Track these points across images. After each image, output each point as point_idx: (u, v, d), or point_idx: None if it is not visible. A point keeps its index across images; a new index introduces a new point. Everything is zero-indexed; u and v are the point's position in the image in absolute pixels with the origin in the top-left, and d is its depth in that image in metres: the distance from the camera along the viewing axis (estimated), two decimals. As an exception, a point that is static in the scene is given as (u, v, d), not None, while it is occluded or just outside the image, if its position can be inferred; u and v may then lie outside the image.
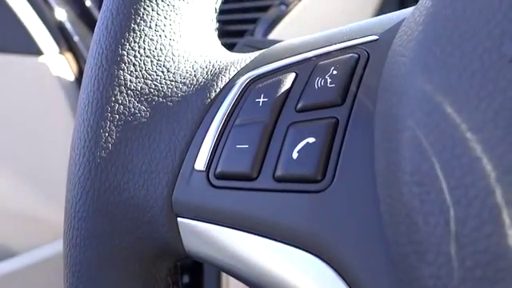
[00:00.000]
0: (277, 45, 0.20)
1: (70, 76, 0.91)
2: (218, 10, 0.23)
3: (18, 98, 0.94)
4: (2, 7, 0.98)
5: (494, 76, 0.11)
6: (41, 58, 0.92)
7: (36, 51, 0.96)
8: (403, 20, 0.16)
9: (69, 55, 0.96)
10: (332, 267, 0.15)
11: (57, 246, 0.85)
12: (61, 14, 0.98)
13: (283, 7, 0.50)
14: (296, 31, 0.48)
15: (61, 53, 0.95)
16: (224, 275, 0.59)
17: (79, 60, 0.98)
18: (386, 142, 0.13)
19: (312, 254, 0.15)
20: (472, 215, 0.10)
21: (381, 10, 0.47)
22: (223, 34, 0.55)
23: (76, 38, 0.98)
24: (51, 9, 0.97)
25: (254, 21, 0.52)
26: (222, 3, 0.53)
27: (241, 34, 0.53)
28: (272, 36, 0.49)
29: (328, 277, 0.15)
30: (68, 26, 0.99)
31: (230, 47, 0.51)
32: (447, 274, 0.11)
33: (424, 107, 0.12)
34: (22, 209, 0.96)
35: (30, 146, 0.94)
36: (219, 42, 0.22)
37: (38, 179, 0.93)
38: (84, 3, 1.01)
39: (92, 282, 0.19)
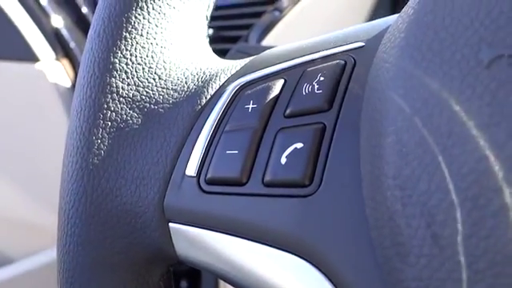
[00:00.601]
0: (266, 51, 0.20)
1: (67, 82, 0.91)
2: (209, 18, 0.23)
3: (15, 104, 0.94)
4: (-1, 14, 0.98)
5: (472, 82, 0.11)
6: (37, 65, 0.92)
7: (33, 58, 0.96)
8: (388, 27, 0.16)
9: (65, 61, 0.96)
10: (321, 271, 0.15)
11: (54, 253, 0.84)
12: (57, 20, 0.98)
13: (277, 13, 0.50)
14: (290, 37, 0.49)
15: (57, 59, 0.95)
16: (222, 281, 0.59)
17: (75, 66, 0.98)
18: (370, 146, 0.14)
19: (301, 257, 0.15)
20: (451, 218, 0.11)
21: (373, 17, 0.47)
22: (217, 39, 0.55)
23: (72, 45, 0.98)
24: (47, 16, 0.97)
25: (248, 27, 0.53)
26: (216, 10, 0.53)
27: (235, 39, 0.53)
28: (266, 42, 0.50)
29: (317, 280, 0.15)
30: (64, 32, 0.99)
31: (224, 53, 0.51)
32: (428, 276, 0.11)
33: (405, 113, 0.12)
34: (19, 215, 0.95)
35: (27, 153, 0.94)
36: (210, 49, 0.23)
37: (35, 185, 0.93)
38: (80, 10, 1.02)
39: (85, 287, 0.19)
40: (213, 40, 0.54)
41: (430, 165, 0.11)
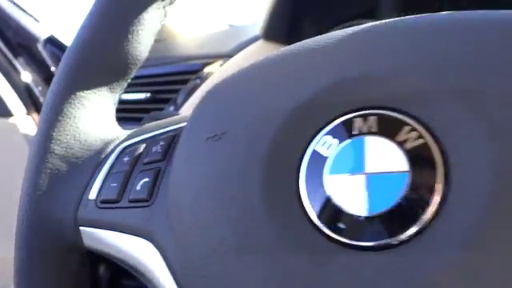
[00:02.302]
0: (142, 127, 0.34)
1: (36, 134, 1.03)
2: (116, 104, 0.37)
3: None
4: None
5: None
6: (11, 119, 1.04)
7: (6, 113, 1.07)
8: None
9: (35, 116, 1.09)
10: (156, 247, 0.28)
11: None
12: (27, 77, 1.11)
13: (198, 80, 0.65)
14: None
15: (28, 114, 1.08)
16: None
17: (44, 119, 1.10)
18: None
19: (148, 240, 0.29)
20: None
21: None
22: (154, 100, 0.70)
23: (42, 100, 1.11)
24: (18, 73, 1.10)
25: (176, 91, 0.68)
26: (153, 77, 0.68)
27: (167, 100, 0.68)
28: (189, 103, 0.64)
29: (154, 253, 0.28)
30: (35, 89, 1.12)
31: (160, 109, 0.64)
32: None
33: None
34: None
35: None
36: (115, 123, 0.37)
37: (7, 231, 1.02)
38: (49, 68, 1.16)
39: (27, 273, 0.32)
40: (150, 101, 0.69)
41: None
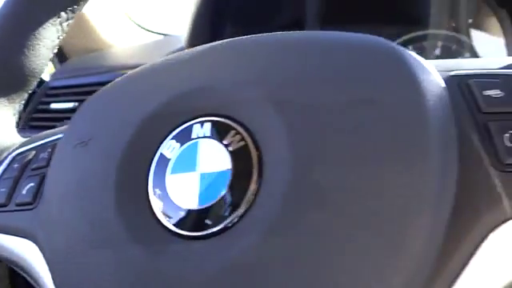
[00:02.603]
0: (36, 135, 0.36)
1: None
2: (18, 115, 0.39)
3: None
4: None
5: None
6: None
7: None
8: None
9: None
10: (39, 248, 0.30)
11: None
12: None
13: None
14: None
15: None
16: None
17: None
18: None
19: (32, 241, 0.31)
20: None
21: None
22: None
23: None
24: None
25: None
26: (84, 86, 0.70)
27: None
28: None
29: (35, 252, 0.30)
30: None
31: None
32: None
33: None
34: None
35: None
36: (14, 131, 0.39)
37: None
38: None
39: None
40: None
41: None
